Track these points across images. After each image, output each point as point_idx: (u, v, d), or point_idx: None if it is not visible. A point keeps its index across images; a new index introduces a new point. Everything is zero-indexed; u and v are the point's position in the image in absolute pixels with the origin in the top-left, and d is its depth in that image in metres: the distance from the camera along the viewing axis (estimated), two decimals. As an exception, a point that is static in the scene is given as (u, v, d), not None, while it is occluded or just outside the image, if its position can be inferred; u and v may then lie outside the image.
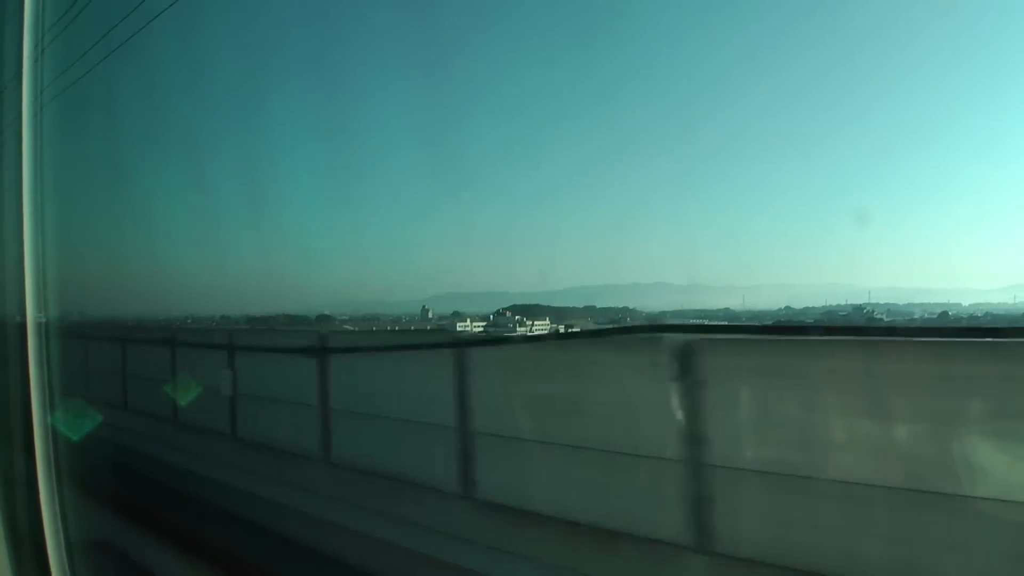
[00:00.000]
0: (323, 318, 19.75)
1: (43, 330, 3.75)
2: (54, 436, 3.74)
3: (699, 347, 5.14)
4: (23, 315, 3.70)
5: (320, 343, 8.58)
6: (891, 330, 6.39)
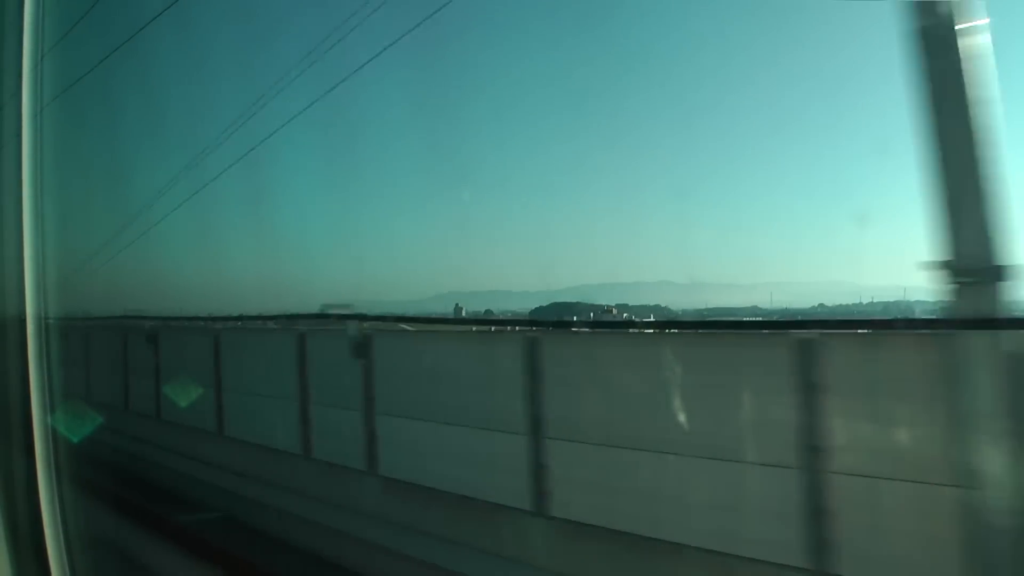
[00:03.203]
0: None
1: (43, 330, 3.74)
2: (54, 436, 3.73)
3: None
4: (23, 315, 3.70)
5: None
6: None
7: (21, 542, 3.52)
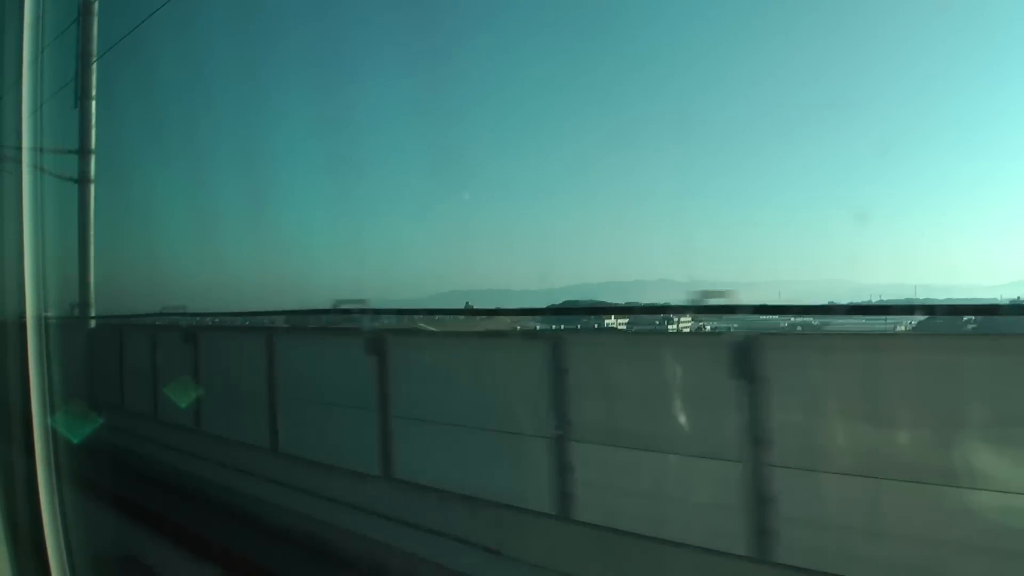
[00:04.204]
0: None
1: (43, 330, 3.73)
2: (54, 436, 3.72)
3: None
4: (23, 315, 3.68)
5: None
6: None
7: (21, 542, 3.51)
